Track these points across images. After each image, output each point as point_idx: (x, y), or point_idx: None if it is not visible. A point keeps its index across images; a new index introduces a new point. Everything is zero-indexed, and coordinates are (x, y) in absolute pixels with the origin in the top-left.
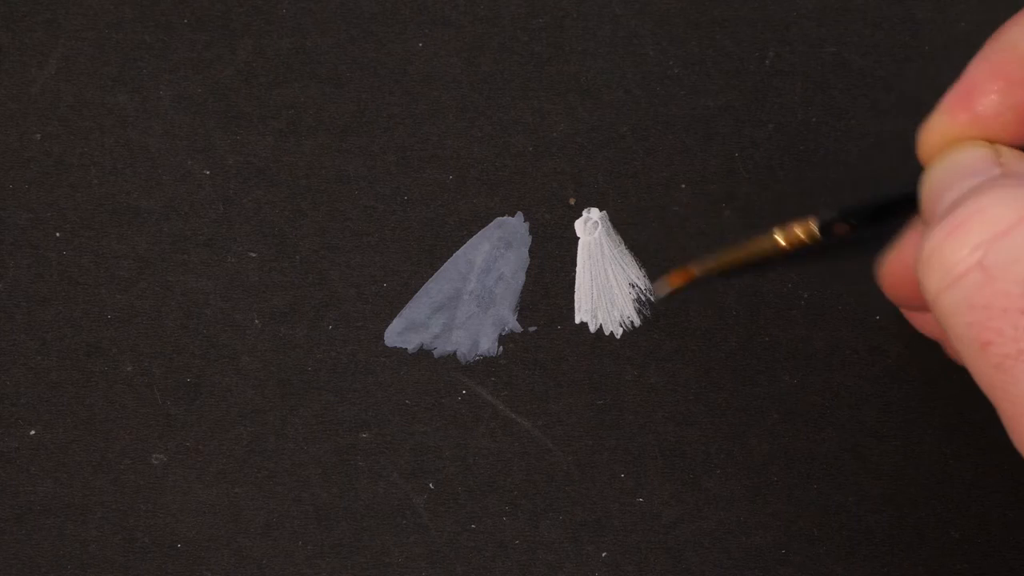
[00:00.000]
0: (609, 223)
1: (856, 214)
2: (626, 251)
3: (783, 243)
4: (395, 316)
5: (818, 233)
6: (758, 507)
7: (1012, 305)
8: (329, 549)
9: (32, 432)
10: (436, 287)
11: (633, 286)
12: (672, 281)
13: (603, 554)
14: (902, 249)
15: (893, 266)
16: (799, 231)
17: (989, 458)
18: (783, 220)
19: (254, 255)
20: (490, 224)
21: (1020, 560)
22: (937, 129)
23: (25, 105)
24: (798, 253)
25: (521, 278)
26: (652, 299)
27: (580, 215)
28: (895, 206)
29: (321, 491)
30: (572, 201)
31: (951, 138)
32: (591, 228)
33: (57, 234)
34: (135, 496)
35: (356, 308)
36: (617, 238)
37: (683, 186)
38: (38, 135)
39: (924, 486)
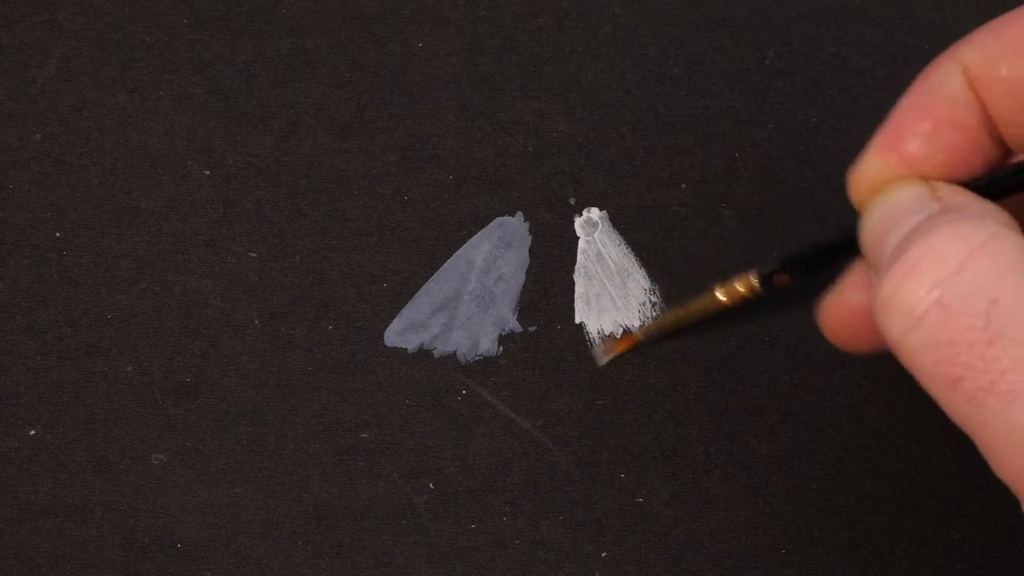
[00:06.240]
0: (609, 223)
1: (795, 263)
2: (626, 251)
3: (725, 300)
4: (395, 316)
5: (758, 286)
6: (758, 507)
7: (977, 338)
8: (329, 549)
9: (32, 432)
10: (436, 287)
11: (633, 286)
12: (617, 347)
13: (603, 554)
14: (841, 293)
15: (833, 310)
16: (740, 287)
17: None
18: (726, 274)
19: (254, 255)
20: (490, 224)
21: (1020, 560)
22: (868, 172)
23: (25, 105)
24: (741, 307)
25: (521, 278)
26: (599, 361)
27: (580, 215)
28: (834, 252)
29: (321, 491)
30: (572, 201)
31: (883, 179)
32: (591, 228)
33: (57, 234)
34: (135, 496)
35: (356, 308)
36: (617, 238)
37: (683, 186)
38: (38, 135)
39: (924, 486)
